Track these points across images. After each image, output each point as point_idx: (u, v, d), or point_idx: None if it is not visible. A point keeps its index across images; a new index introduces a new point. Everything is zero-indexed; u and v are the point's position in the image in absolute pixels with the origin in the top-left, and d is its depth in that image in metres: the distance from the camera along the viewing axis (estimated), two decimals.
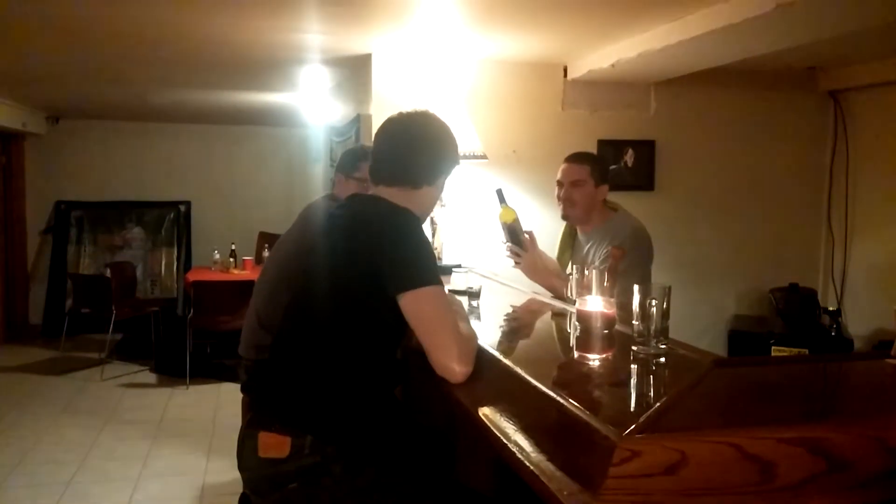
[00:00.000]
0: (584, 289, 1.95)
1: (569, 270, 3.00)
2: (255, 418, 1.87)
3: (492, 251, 4.18)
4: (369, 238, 1.84)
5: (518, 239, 2.96)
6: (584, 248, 3.08)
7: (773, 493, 1.21)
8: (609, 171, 3.09)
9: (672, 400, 1.42)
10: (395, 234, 1.82)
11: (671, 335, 1.83)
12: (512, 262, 3.02)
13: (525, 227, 3.04)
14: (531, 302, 2.87)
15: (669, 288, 1.78)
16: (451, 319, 1.81)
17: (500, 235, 3.04)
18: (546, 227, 3.44)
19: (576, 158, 3.08)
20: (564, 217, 3.14)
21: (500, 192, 2.98)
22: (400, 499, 1.80)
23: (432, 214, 3.89)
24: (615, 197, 3.21)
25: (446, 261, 4.01)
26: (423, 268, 1.80)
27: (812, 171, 5.18)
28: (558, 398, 1.44)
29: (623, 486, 1.15)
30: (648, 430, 1.23)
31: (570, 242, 3.24)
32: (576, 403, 1.38)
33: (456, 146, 2.09)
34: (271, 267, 3.03)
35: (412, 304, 1.78)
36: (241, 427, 1.92)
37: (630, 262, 2.81)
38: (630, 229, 2.96)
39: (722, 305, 5.11)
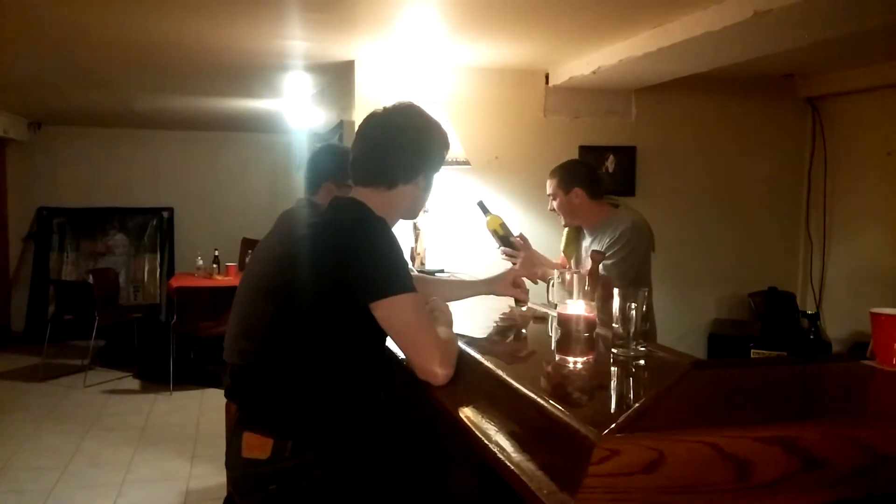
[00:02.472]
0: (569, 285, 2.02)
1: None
2: (242, 418, 1.88)
3: (474, 255, 4.23)
4: (336, 248, 1.82)
5: (509, 241, 3.17)
6: (589, 240, 3.28)
7: (749, 491, 1.23)
8: (581, 173, 3.25)
9: (650, 401, 1.45)
10: (360, 244, 1.79)
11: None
12: (510, 264, 3.18)
13: (513, 230, 3.24)
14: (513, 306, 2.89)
15: (648, 291, 1.81)
16: (429, 324, 1.81)
17: (493, 243, 3.24)
18: (529, 230, 3.47)
19: (549, 173, 3.30)
20: (564, 224, 3.39)
21: (481, 204, 3.19)
22: None
23: (415, 220, 3.92)
24: None
25: (429, 266, 4.04)
26: (393, 276, 1.77)
27: (790, 176, 5.24)
28: (538, 399, 1.46)
29: (602, 485, 1.17)
30: (627, 429, 1.25)
31: (575, 237, 3.42)
32: (556, 404, 1.40)
33: (439, 142, 2.01)
34: (250, 274, 3.02)
35: (386, 312, 1.76)
36: (228, 428, 1.92)
37: (631, 247, 3.06)
38: (630, 222, 3.14)
39: (702, 309, 5.16)
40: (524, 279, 2.72)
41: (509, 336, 2.47)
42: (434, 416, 2.04)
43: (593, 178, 3.29)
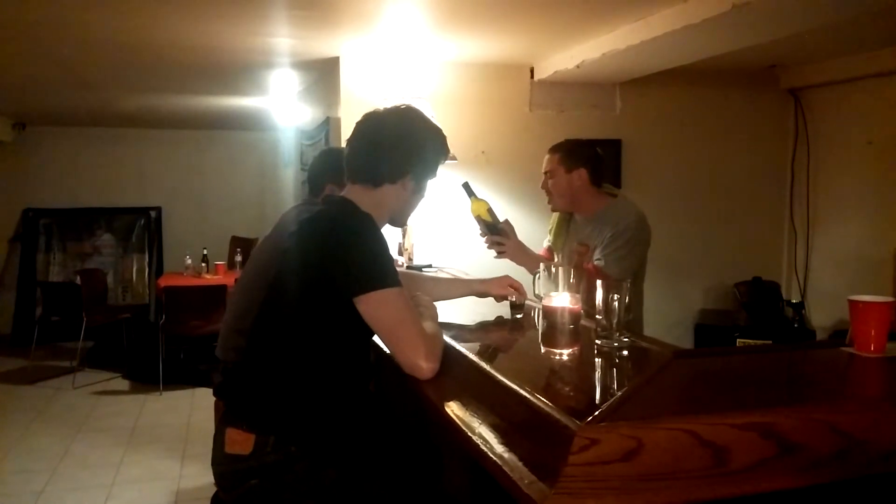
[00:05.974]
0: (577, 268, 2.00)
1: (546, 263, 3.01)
2: (226, 414, 1.89)
3: (462, 250, 4.24)
4: (321, 243, 1.83)
5: (496, 228, 2.93)
6: (586, 229, 3.06)
7: (727, 477, 1.25)
8: (588, 155, 3.02)
9: (631, 390, 1.47)
10: (345, 239, 1.80)
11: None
12: (494, 253, 2.97)
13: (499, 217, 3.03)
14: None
15: (629, 283, 1.83)
16: (414, 318, 1.82)
17: (476, 230, 2.99)
18: (515, 225, 3.47)
19: (550, 149, 3.08)
20: (552, 207, 3.16)
21: (466, 186, 2.92)
22: (362, 500, 1.82)
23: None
24: None
25: (417, 261, 4.05)
26: (377, 270, 1.78)
27: (774, 167, 5.28)
28: (521, 391, 1.47)
29: (581, 474, 1.19)
30: (607, 419, 1.27)
31: (564, 228, 3.22)
32: (538, 395, 1.42)
33: (431, 147, 2.01)
34: (248, 272, 3.01)
35: (371, 307, 1.77)
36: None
37: (636, 241, 2.91)
38: (635, 215, 2.97)
39: (689, 300, 5.20)
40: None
41: (496, 328, 2.48)
42: (424, 410, 2.06)
43: (598, 162, 3.05)
